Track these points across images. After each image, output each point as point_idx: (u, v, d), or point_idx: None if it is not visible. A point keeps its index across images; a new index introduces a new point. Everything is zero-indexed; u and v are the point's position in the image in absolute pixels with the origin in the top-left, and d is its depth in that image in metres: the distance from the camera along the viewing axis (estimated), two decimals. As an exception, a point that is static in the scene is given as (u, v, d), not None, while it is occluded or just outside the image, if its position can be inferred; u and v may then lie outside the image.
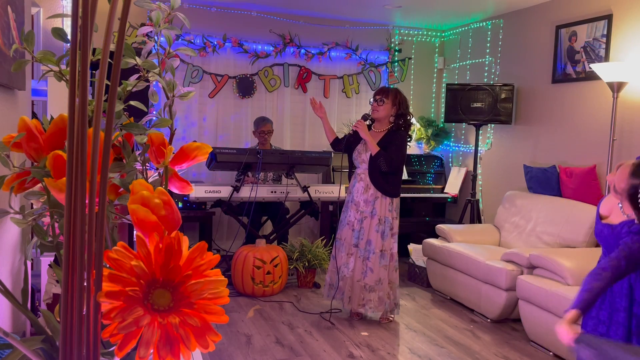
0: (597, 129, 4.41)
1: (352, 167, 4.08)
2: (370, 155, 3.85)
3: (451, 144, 6.34)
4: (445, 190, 6.12)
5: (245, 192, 4.68)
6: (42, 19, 4.72)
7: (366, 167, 3.88)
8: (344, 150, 4.05)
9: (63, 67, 0.85)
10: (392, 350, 3.49)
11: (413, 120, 4.12)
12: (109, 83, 0.62)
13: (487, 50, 5.75)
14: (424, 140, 6.35)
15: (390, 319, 4.02)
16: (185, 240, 0.66)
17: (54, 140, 0.79)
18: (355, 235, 3.88)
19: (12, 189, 0.79)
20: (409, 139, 3.95)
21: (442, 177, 6.22)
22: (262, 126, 5.21)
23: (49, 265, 2.99)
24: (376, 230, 3.83)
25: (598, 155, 4.34)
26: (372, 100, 3.96)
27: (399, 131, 3.87)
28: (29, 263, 1.78)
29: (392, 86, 6.25)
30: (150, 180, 0.89)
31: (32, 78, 3.41)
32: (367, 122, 3.97)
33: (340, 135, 4.23)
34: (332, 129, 4.17)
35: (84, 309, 0.62)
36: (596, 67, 4.07)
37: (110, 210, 0.81)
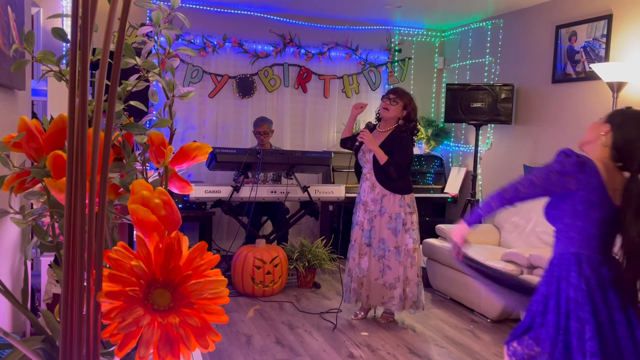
0: (597, 129, 4.40)
1: (358, 167, 4.06)
2: (374, 155, 3.83)
3: (451, 144, 6.34)
4: (445, 190, 6.12)
5: (245, 192, 4.68)
6: (42, 19, 4.72)
7: (370, 166, 3.87)
8: (353, 149, 4.01)
9: (63, 67, 0.85)
10: (392, 350, 3.49)
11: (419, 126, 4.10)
12: (109, 83, 0.62)
13: (487, 50, 5.75)
14: (424, 140, 6.35)
15: (390, 319, 4.02)
16: (185, 240, 0.66)
17: (54, 140, 0.79)
18: (366, 234, 3.87)
19: (12, 189, 0.79)
20: (413, 143, 3.93)
21: (442, 177, 6.22)
22: (259, 127, 5.20)
23: (49, 265, 2.99)
24: (387, 227, 3.83)
25: (598, 155, 4.33)
26: (384, 97, 3.90)
27: (402, 133, 3.85)
28: (29, 263, 1.79)
29: (390, 86, 6.27)
30: (150, 180, 0.89)
31: (32, 78, 3.41)
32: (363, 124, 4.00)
33: (340, 135, 4.22)
34: (352, 129, 4.10)
35: (84, 309, 0.62)
36: (596, 67, 4.07)
37: (110, 210, 0.81)
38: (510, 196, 2.09)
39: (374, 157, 3.84)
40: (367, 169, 3.91)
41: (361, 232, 3.89)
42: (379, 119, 4.03)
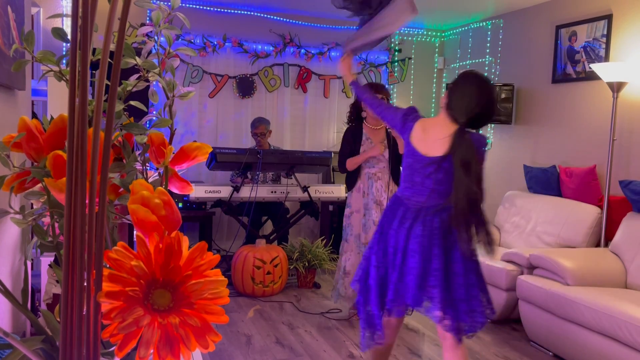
0: (597, 129, 4.41)
1: (354, 170, 3.98)
2: (391, 152, 3.80)
3: (451, 144, 6.33)
4: (445, 190, 6.11)
5: (246, 192, 4.68)
6: (42, 19, 4.72)
7: (385, 165, 3.82)
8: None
9: (63, 67, 0.85)
10: (392, 350, 3.49)
11: None
12: (109, 83, 0.62)
13: (487, 50, 5.75)
14: (424, 140, 6.34)
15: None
16: (185, 240, 0.66)
17: (54, 140, 0.79)
18: None
19: (12, 189, 0.79)
20: None
21: (442, 177, 6.21)
22: (256, 129, 5.18)
23: (49, 265, 2.99)
24: None
25: (598, 155, 4.34)
26: None
27: None
28: (29, 263, 1.78)
29: (390, 86, 6.27)
30: (150, 180, 0.89)
31: (32, 78, 3.41)
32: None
33: (340, 135, 4.19)
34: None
35: (84, 309, 0.62)
36: (596, 67, 4.07)
37: (110, 210, 0.81)
38: (372, 109, 2.77)
39: (390, 154, 3.79)
40: (380, 168, 3.85)
41: None
42: (357, 117, 3.95)
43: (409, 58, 6.35)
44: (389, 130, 3.79)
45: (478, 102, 2.32)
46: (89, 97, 0.65)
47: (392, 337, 2.63)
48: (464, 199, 2.25)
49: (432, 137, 2.37)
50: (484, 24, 5.81)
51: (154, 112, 1.01)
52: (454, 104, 2.37)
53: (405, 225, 2.40)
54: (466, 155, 2.25)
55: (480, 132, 2.50)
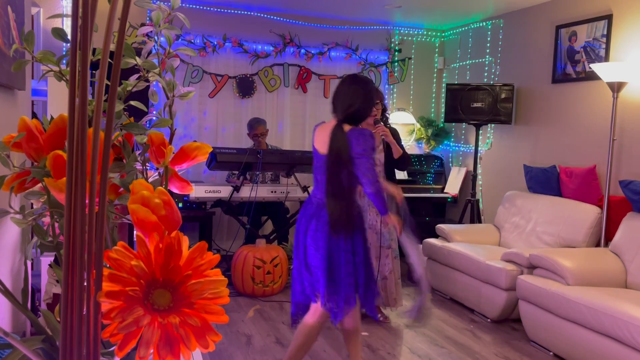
0: (597, 129, 4.41)
1: None
2: (386, 156, 3.80)
3: (451, 144, 6.33)
4: (445, 190, 6.11)
5: (246, 192, 4.68)
6: (42, 19, 4.72)
7: (380, 169, 3.82)
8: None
9: (63, 67, 0.85)
10: (392, 350, 3.49)
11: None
12: (109, 83, 0.62)
13: (487, 50, 5.75)
14: (424, 140, 6.34)
15: (388, 321, 4.01)
16: (185, 240, 0.66)
17: (54, 140, 0.79)
18: (386, 236, 3.84)
19: (12, 189, 0.79)
20: None
21: (442, 177, 6.22)
22: (255, 130, 5.16)
23: (49, 265, 2.99)
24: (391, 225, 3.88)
25: (598, 155, 4.33)
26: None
27: (391, 128, 3.91)
28: (29, 263, 1.78)
29: (390, 86, 6.27)
30: (150, 180, 0.89)
31: (32, 78, 3.41)
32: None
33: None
34: None
35: (84, 309, 0.62)
36: (596, 67, 4.07)
37: (110, 210, 0.81)
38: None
39: (386, 156, 3.80)
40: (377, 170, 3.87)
41: (376, 235, 3.83)
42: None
43: (409, 58, 6.35)
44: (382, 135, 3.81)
45: (349, 100, 2.66)
46: (89, 97, 0.65)
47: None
48: (327, 189, 2.59)
49: (325, 137, 2.67)
50: (484, 24, 5.81)
51: (154, 112, 1.01)
52: (334, 106, 2.71)
53: (307, 220, 2.69)
54: (334, 148, 2.58)
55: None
